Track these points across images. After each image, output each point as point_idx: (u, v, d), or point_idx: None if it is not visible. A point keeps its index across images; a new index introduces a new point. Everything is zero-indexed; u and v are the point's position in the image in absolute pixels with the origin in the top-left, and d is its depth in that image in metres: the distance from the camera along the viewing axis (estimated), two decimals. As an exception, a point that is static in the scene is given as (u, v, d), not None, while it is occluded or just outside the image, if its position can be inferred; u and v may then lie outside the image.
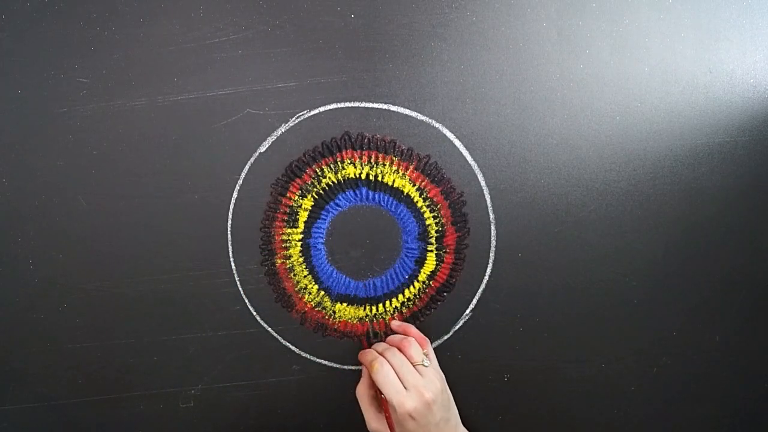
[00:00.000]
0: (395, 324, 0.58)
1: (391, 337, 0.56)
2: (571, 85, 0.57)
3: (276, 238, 0.58)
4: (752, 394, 0.60)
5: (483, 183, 0.58)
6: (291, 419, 0.60)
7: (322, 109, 0.57)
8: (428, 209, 0.58)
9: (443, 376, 0.54)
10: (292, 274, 0.59)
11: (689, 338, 0.59)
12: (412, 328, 0.57)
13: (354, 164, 0.57)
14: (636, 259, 0.58)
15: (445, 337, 0.60)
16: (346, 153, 0.57)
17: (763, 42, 0.57)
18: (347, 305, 0.59)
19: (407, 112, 0.57)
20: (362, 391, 0.55)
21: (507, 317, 0.59)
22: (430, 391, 0.50)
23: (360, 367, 0.60)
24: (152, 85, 0.56)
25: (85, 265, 0.57)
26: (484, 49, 0.56)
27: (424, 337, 0.56)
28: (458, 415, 0.54)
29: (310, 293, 0.59)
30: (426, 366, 0.53)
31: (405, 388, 0.50)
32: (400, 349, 0.53)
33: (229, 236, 0.58)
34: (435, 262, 0.59)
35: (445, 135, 0.57)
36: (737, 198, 0.58)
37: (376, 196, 0.58)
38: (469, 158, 0.57)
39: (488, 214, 0.58)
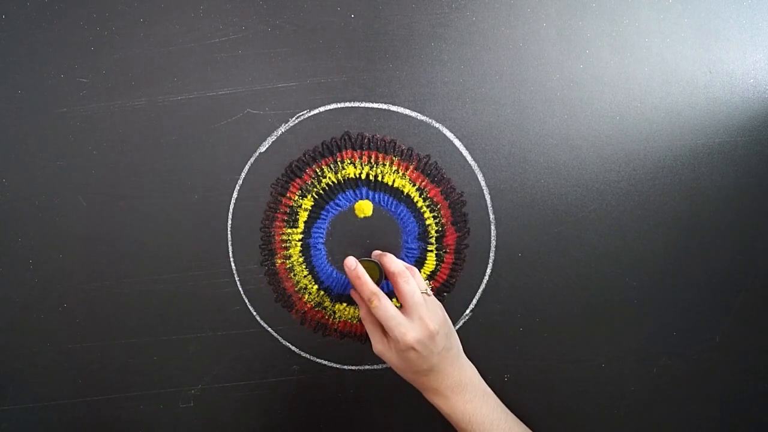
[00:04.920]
0: (377, 253, 0.56)
1: (392, 262, 0.52)
2: (571, 85, 0.57)
3: (276, 238, 0.58)
4: (752, 394, 0.60)
5: (483, 183, 0.58)
6: (291, 419, 0.60)
7: (322, 109, 0.57)
8: (428, 209, 0.58)
9: (442, 306, 0.54)
10: (292, 274, 0.59)
11: (689, 338, 0.59)
12: (396, 259, 0.54)
13: (354, 164, 0.57)
14: (636, 259, 0.58)
15: (445, 337, 0.60)
16: (346, 153, 0.57)
17: (763, 42, 0.57)
18: (347, 305, 0.59)
19: (407, 112, 0.57)
20: (365, 315, 0.53)
21: (507, 317, 0.59)
22: (434, 322, 0.49)
23: (359, 367, 0.60)
24: (152, 85, 0.56)
25: (85, 265, 0.57)
26: (484, 49, 0.56)
27: (413, 267, 0.55)
28: (460, 344, 0.54)
29: (310, 293, 0.59)
30: (429, 295, 0.52)
31: (409, 318, 0.49)
32: (395, 282, 0.51)
33: (229, 236, 0.58)
34: (435, 262, 0.59)
35: (445, 135, 0.57)
36: (737, 198, 0.58)
37: (376, 196, 0.58)
38: (469, 158, 0.57)
39: (488, 214, 0.58)
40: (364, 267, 0.52)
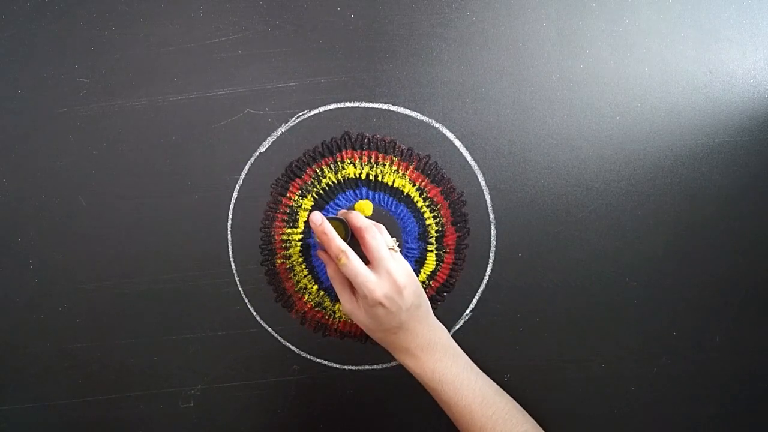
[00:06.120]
0: (343, 211, 0.55)
1: (358, 218, 0.52)
2: (571, 85, 0.57)
3: (276, 238, 0.58)
4: (752, 394, 0.60)
5: (483, 183, 0.58)
6: (291, 419, 0.60)
7: (322, 109, 0.57)
8: (428, 209, 0.58)
9: (409, 265, 0.53)
10: (292, 274, 0.59)
11: (689, 338, 0.59)
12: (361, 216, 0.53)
13: (354, 164, 0.57)
14: (636, 259, 0.58)
15: (445, 337, 0.60)
16: (346, 153, 0.57)
17: (763, 42, 0.57)
18: (347, 305, 0.59)
19: (407, 112, 0.57)
20: (332, 274, 0.52)
21: (507, 317, 0.59)
22: (401, 276, 0.49)
23: (359, 367, 0.60)
24: (152, 85, 0.56)
25: (85, 265, 0.57)
26: (484, 49, 0.56)
27: (380, 224, 0.55)
28: (429, 304, 0.54)
29: (310, 293, 0.59)
30: (397, 251, 0.52)
31: (376, 273, 0.49)
32: (361, 237, 0.50)
33: (229, 236, 0.58)
34: (435, 262, 0.59)
35: (445, 135, 0.57)
36: (737, 198, 0.58)
37: (376, 196, 0.58)
38: (469, 158, 0.57)
39: (488, 214, 0.58)
40: (331, 225, 0.51)
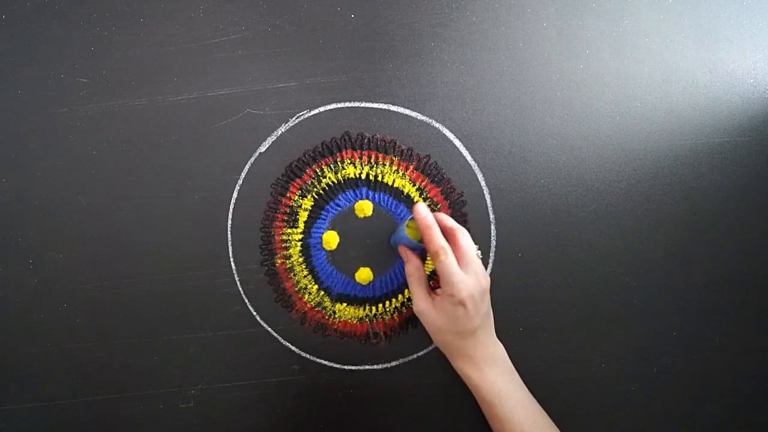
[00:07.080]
0: (423, 210, 0.50)
1: (448, 218, 0.53)
2: (571, 85, 0.57)
3: (276, 238, 0.58)
4: (752, 394, 0.60)
5: (483, 183, 0.58)
6: (291, 419, 0.60)
7: (322, 109, 0.57)
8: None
9: None
10: (292, 274, 0.59)
11: (689, 338, 0.59)
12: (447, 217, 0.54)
13: (354, 164, 0.57)
14: (636, 259, 0.58)
15: (445, 337, 0.60)
16: (346, 153, 0.57)
17: (763, 42, 0.57)
18: (347, 305, 0.59)
19: (407, 112, 0.57)
20: (412, 271, 0.53)
21: (507, 317, 0.59)
22: (486, 279, 0.51)
23: (359, 367, 0.60)
24: (152, 85, 0.56)
25: (85, 265, 0.57)
26: (484, 49, 0.56)
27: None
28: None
29: (310, 293, 0.59)
30: (481, 257, 0.54)
31: (466, 273, 0.50)
32: (453, 237, 0.51)
33: (229, 236, 0.58)
34: (435, 262, 0.59)
35: (445, 135, 0.57)
36: (737, 198, 0.58)
37: (376, 196, 0.58)
38: (469, 158, 0.57)
39: (488, 214, 0.58)
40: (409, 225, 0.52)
